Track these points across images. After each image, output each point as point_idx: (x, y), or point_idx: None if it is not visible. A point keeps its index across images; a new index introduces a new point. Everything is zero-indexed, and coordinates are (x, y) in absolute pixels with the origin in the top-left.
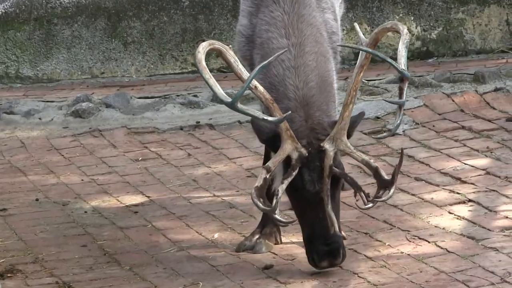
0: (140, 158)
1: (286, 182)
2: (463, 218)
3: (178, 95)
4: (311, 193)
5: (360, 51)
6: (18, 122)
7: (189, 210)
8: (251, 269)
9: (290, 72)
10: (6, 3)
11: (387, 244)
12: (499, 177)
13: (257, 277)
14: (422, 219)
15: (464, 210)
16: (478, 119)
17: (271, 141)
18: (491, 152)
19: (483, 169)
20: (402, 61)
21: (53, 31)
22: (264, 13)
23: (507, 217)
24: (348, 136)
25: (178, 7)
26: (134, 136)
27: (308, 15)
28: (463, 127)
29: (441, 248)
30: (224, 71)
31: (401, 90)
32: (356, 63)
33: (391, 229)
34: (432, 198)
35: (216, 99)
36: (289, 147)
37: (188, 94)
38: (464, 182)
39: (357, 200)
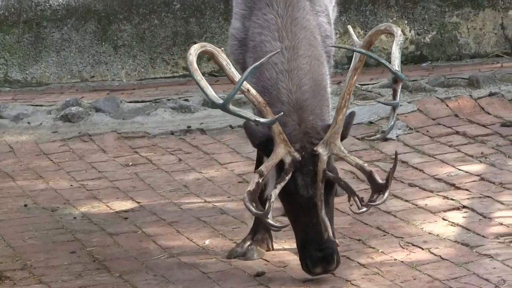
0: (130, 163)
1: (279, 186)
2: (457, 225)
3: (169, 100)
4: (304, 198)
5: (354, 55)
6: (6, 126)
7: (180, 216)
8: (242, 276)
9: (283, 76)
10: None
11: (380, 251)
12: (494, 183)
13: (249, 284)
14: (416, 225)
15: (458, 217)
16: (472, 124)
17: (264, 145)
18: (486, 158)
19: (478, 175)
20: (396, 63)
21: (43, 34)
22: (257, 16)
23: (501, 224)
24: (343, 138)
25: (169, 10)
26: (124, 141)
27: (302, 18)
28: (457, 132)
29: (435, 255)
30: (216, 75)
31: (395, 91)
32: (349, 67)
33: (384, 235)
34: (426, 204)
35: (207, 101)
36: (282, 151)
37: (179, 98)
38: (458, 188)
39: (351, 205)
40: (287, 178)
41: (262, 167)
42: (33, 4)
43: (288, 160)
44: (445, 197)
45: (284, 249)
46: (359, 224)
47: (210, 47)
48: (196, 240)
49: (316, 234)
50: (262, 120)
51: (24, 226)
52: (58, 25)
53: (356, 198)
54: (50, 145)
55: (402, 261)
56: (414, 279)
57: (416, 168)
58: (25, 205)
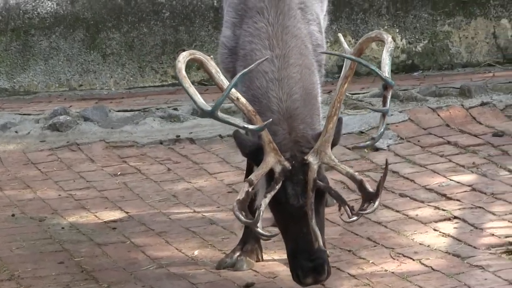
0: (119, 173)
1: (269, 196)
2: (448, 235)
3: (158, 109)
4: (295, 207)
5: (344, 63)
6: None
7: (169, 226)
8: (231, 287)
9: (273, 84)
10: None
11: (370, 261)
12: (485, 193)
13: None
14: (407, 236)
15: (449, 227)
16: (464, 134)
17: (254, 155)
18: (477, 168)
19: (469, 185)
20: (386, 69)
21: (30, 42)
22: (248, 24)
23: (493, 235)
24: (333, 145)
25: (159, 18)
26: (113, 150)
27: (293, 27)
28: (448, 142)
29: (426, 266)
30: (205, 84)
31: (384, 98)
32: (340, 76)
33: (375, 246)
34: (417, 215)
35: (197, 110)
36: (272, 160)
37: (168, 107)
38: (450, 198)
39: (341, 214)
40: (277, 187)
41: (251, 176)
42: (20, 12)
43: (278, 169)
44: (436, 208)
45: (274, 260)
46: (349, 235)
47: (199, 54)
48: (185, 251)
49: (307, 244)
50: (250, 127)
51: (11, 236)
52: (46, 33)
53: (347, 207)
54: (38, 154)
55: (392, 272)
56: None
57: (407, 178)
58: (13, 215)
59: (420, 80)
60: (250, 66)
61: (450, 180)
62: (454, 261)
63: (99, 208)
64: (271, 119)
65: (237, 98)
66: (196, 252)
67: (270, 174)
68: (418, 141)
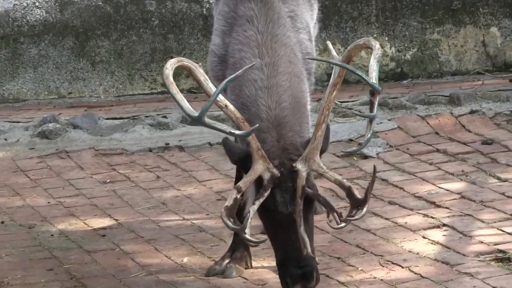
0: (108, 180)
1: (258, 203)
2: (437, 243)
3: (147, 116)
4: (283, 214)
5: (333, 71)
6: None
7: (158, 234)
8: None
9: (262, 92)
10: None
11: (359, 269)
12: (474, 201)
13: None
14: (396, 243)
15: (438, 235)
16: (453, 142)
17: (243, 162)
18: (466, 176)
19: (458, 193)
20: (373, 75)
21: (20, 50)
22: (238, 32)
23: (482, 242)
24: (322, 152)
25: (148, 26)
26: (102, 157)
27: (282, 35)
28: (437, 150)
29: (415, 273)
30: (195, 91)
31: (372, 104)
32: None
33: (364, 253)
34: (406, 223)
35: (186, 118)
36: (260, 167)
37: (157, 115)
38: (439, 206)
39: (330, 221)
40: (266, 194)
41: (240, 183)
42: (10, 19)
43: (266, 176)
44: (425, 215)
45: (263, 267)
46: (338, 242)
47: (187, 62)
48: (175, 258)
49: (296, 251)
50: (237, 132)
51: (0, 243)
52: (35, 41)
53: (335, 214)
54: (27, 162)
55: (381, 279)
56: None
57: (396, 186)
58: (2, 222)
59: (409, 88)
60: (237, 72)
61: (439, 187)
62: (443, 268)
63: (88, 216)
64: (257, 125)
65: (226, 106)
66: (185, 259)
67: (259, 182)
68: (407, 149)
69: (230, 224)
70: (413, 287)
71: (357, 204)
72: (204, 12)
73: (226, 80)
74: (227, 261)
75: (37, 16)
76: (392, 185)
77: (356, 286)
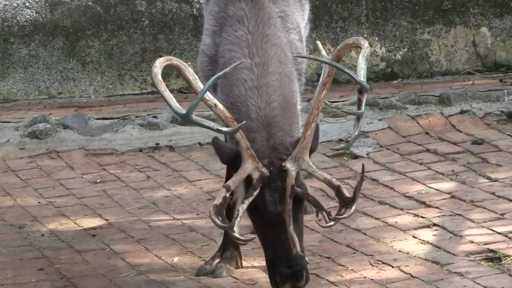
0: (98, 180)
1: (247, 202)
2: (427, 243)
3: (137, 116)
4: (272, 214)
5: (322, 70)
6: None
7: (148, 234)
8: None
9: (252, 92)
10: None
11: (350, 268)
12: (464, 201)
13: None
14: (386, 243)
15: (428, 235)
16: (443, 142)
17: (232, 161)
18: (457, 176)
19: (448, 193)
20: (361, 73)
21: (10, 50)
22: (228, 32)
23: (472, 242)
24: (312, 151)
25: (138, 26)
26: (92, 157)
27: (273, 35)
28: (428, 150)
29: (405, 273)
30: (185, 92)
31: (360, 101)
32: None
33: (354, 253)
34: (396, 222)
35: (176, 118)
36: (250, 167)
37: (148, 115)
38: (429, 206)
39: (319, 220)
40: (255, 193)
41: (229, 182)
42: (0, 20)
43: (256, 175)
44: (416, 215)
45: (253, 267)
46: (328, 242)
47: (176, 61)
48: (165, 258)
49: (285, 250)
50: (224, 129)
51: None
52: (25, 41)
53: (324, 213)
54: (18, 162)
55: (372, 279)
56: None
57: (387, 186)
58: None
59: (399, 88)
60: (225, 70)
61: (429, 187)
62: (433, 268)
63: (78, 215)
64: (244, 122)
65: (215, 105)
66: (175, 259)
67: (248, 181)
68: (398, 148)
69: (218, 222)
70: (404, 286)
71: (346, 203)
72: (194, 12)
73: (213, 77)
74: (217, 260)
75: (27, 16)
76: (382, 185)
77: (347, 286)
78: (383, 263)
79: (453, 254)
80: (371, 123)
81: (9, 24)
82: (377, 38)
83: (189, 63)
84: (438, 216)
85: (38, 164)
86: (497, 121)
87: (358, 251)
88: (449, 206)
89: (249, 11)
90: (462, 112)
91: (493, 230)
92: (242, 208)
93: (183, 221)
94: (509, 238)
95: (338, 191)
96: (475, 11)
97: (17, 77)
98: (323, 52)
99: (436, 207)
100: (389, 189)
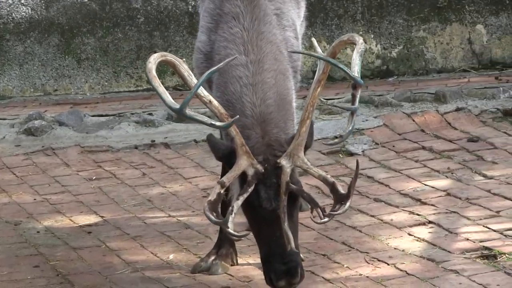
0: (94, 177)
1: (242, 198)
2: (423, 240)
3: (132, 113)
4: (267, 210)
5: (318, 67)
6: None
7: (144, 231)
8: None
9: (247, 89)
10: None
11: (345, 266)
12: (460, 198)
13: None
14: (381, 240)
15: (424, 232)
16: (439, 139)
17: (227, 158)
18: (452, 173)
19: (444, 190)
20: (355, 69)
21: (5, 47)
22: (223, 29)
23: (467, 239)
24: (306, 148)
25: (133, 23)
26: (88, 154)
27: (268, 33)
28: (423, 148)
29: (401, 270)
30: (180, 89)
31: (353, 96)
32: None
33: (349, 250)
34: (391, 220)
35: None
36: (244, 163)
37: (143, 112)
38: (424, 203)
39: (314, 217)
40: (250, 190)
41: (224, 178)
42: None
43: (250, 172)
44: (411, 213)
45: (248, 264)
46: (324, 239)
47: (170, 57)
48: (160, 255)
49: (280, 247)
50: (218, 123)
51: None
52: (21, 38)
53: (319, 210)
54: (13, 159)
55: (367, 276)
56: None
57: (382, 183)
58: None
59: (395, 85)
60: (219, 65)
61: (425, 185)
62: (429, 265)
63: (74, 212)
64: (237, 116)
65: (210, 101)
66: (171, 256)
67: (243, 177)
68: (393, 146)
69: (212, 217)
70: (399, 284)
71: (340, 199)
72: (190, 9)
73: (207, 72)
74: (212, 258)
75: (23, 13)
76: (378, 183)
77: (342, 283)
78: (379, 260)
79: (449, 252)
80: (366, 120)
81: (4, 21)
82: (372, 36)
83: (184, 59)
84: (434, 214)
85: (33, 161)
86: (493, 119)
87: (354, 248)
88: (444, 203)
89: (244, 8)
90: (458, 109)
91: (489, 228)
92: (236, 204)
93: (179, 218)
94: (505, 235)
95: (333, 187)
96: (471, 9)
97: (12, 74)
98: (318, 49)
99: (432, 205)
100: (384, 187)
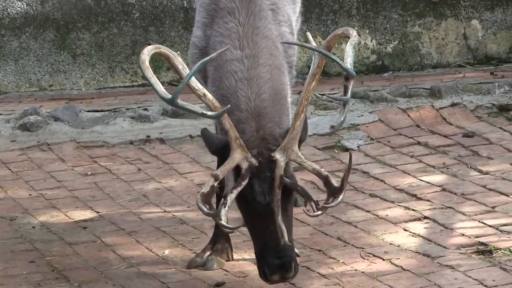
0: (89, 173)
1: (235, 191)
2: (418, 235)
3: (128, 109)
4: (261, 204)
5: (312, 61)
6: None
7: (139, 226)
8: (202, 286)
9: (242, 84)
10: None
11: (341, 261)
12: (455, 193)
13: None
14: (377, 236)
15: (419, 227)
16: (434, 134)
17: (221, 152)
18: (447, 169)
19: (439, 186)
20: (348, 61)
21: (1, 42)
22: (219, 24)
23: (463, 235)
24: (301, 142)
25: (129, 18)
26: (83, 150)
27: (264, 28)
28: (419, 143)
29: (396, 265)
30: (175, 84)
31: (345, 88)
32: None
33: (345, 246)
34: (387, 215)
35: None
36: (238, 156)
37: (138, 107)
38: (420, 198)
39: (307, 210)
40: (244, 183)
41: (217, 171)
42: None
43: (244, 165)
44: (406, 208)
45: (244, 259)
46: (319, 235)
47: (164, 49)
48: (156, 250)
49: (274, 241)
50: (209, 113)
51: None
52: (16, 33)
53: (312, 203)
54: (9, 154)
55: (363, 272)
56: None
57: (377, 179)
58: None
59: (390, 81)
60: (212, 55)
61: (420, 180)
62: (424, 261)
63: (69, 208)
64: (229, 106)
65: (204, 94)
66: (166, 252)
67: (237, 171)
68: (388, 141)
69: (205, 209)
70: (394, 279)
71: (333, 192)
72: (185, 4)
73: (199, 63)
74: (208, 253)
75: (18, 8)
76: (373, 178)
77: (337, 279)
78: (374, 255)
79: (444, 247)
80: (362, 115)
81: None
82: (367, 31)
83: (179, 52)
84: (429, 209)
85: (29, 157)
86: (488, 114)
87: (349, 243)
88: (440, 199)
89: (240, 3)
90: (453, 105)
91: (484, 223)
92: (230, 197)
93: (174, 214)
94: (500, 231)
95: (326, 180)
96: (466, 4)
97: (8, 69)
98: (313, 43)
99: (427, 200)
100: (380, 182)
